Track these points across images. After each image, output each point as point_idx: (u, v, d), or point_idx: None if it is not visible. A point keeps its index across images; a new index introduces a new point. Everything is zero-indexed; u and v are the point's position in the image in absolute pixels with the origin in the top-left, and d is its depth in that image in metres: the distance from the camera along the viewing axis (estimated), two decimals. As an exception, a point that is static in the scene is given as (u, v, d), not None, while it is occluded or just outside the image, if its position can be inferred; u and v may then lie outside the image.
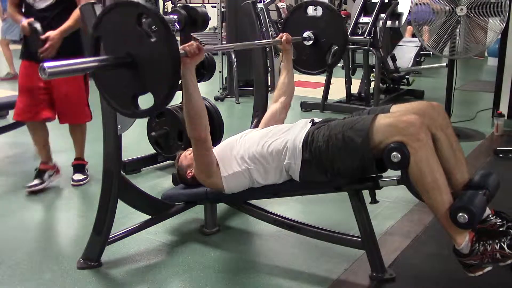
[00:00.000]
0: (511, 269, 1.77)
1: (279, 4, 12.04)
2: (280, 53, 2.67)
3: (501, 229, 1.78)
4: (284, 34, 2.58)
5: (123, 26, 1.73)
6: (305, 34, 2.72)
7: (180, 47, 1.80)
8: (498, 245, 1.73)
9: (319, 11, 2.83)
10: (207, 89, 5.92)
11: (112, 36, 1.78)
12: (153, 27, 1.69)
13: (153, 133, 3.05)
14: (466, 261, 1.81)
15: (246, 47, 2.19)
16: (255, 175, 2.10)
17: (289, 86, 2.59)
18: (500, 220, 1.81)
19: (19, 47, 4.34)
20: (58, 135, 3.53)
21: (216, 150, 2.17)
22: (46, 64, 1.52)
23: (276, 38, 2.57)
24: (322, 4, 2.83)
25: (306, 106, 5.27)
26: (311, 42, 2.72)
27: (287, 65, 2.62)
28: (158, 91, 1.71)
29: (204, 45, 1.88)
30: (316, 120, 2.18)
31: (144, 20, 1.70)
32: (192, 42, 1.88)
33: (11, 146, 4.13)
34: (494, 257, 1.74)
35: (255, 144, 2.13)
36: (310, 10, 2.85)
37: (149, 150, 3.42)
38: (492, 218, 1.83)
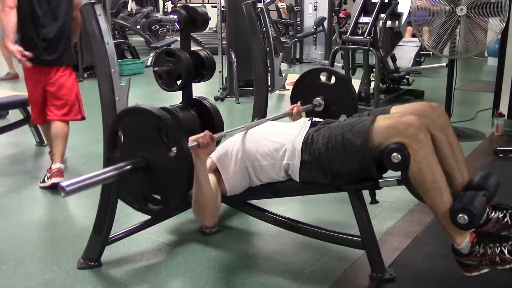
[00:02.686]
0: (510, 269, 1.77)
1: (279, 4, 12.05)
2: (281, 53, 2.66)
3: (503, 233, 1.78)
4: (295, 105, 2.55)
5: (143, 130, 1.79)
6: (316, 101, 2.68)
7: (192, 138, 1.85)
8: (499, 249, 1.73)
9: (332, 80, 2.80)
10: (207, 89, 5.92)
11: (130, 135, 1.84)
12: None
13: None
14: (464, 261, 1.81)
15: (257, 124, 2.20)
16: (253, 174, 2.10)
17: None
18: (500, 213, 1.82)
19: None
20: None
21: (215, 154, 2.17)
22: (65, 183, 1.56)
23: (287, 110, 2.54)
24: (337, 73, 2.81)
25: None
26: (321, 108, 2.69)
27: None
28: (168, 198, 1.80)
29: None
30: (315, 119, 2.18)
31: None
32: (205, 133, 1.88)
33: (11, 146, 4.13)
34: (493, 260, 1.74)
35: (252, 142, 2.12)
36: (323, 77, 2.81)
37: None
38: (492, 215, 1.84)
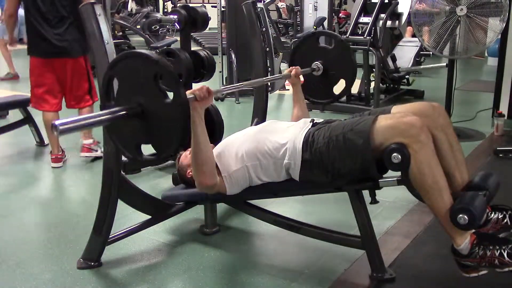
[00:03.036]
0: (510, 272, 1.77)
1: (279, 4, 12.05)
2: (280, 53, 2.66)
3: (503, 235, 1.78)
4: (293, 67, 2.55)
5: (139, 76, 1.74)
6: (314, 65, 2.67)
7: (189, 92, 1.82)
8: (498, 251, 1.73)
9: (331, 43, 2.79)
10: (207, 89, 5.91)
11: (126, 81, 1.80)
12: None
13: None
14: (463, 262, 1.81)
15: (255, 84, 2.16)
16: (253, 173, 2.10)
17: (304, 115, 2.55)
18: (500, 213, 1.82)
19: (18, 47, 4.35)
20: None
21: (215, 151, 2.16)
22: (57, 122, 1.53)
23: (285, 72, 2.53)
24: (335, 37, 2.80)
25: (306, 106, 5.26)
26: (320, 72, 2.68)
27: (298, 97, 2.58)
28: (162, 148, 1.76)
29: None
30: (317, 120, 2.18)
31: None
32: (202, 86, 1.87)
33: (11, 146, 4.13)
34: (492, 262, 1.74)
35: (252, 140, 2.12)
36: (322, 41, 2.81)
37: (149, 150, 3.41)
38: (492, 216, 1.84)
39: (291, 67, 2.58)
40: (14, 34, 3.84)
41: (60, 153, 3.51)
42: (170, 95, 1.72)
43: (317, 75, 2.67)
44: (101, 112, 1.70)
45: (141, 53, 1.74)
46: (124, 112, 1.71)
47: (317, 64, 2.67)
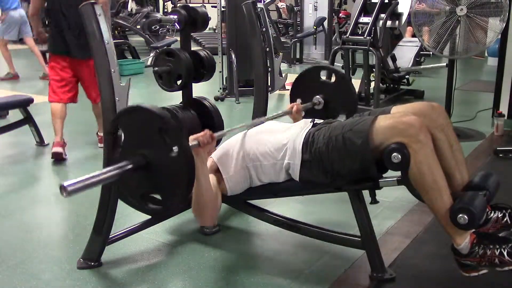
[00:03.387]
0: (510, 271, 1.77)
1: (279, 4, 12.05)
2: (281, 53, 2.66)
3: (503, 234, 1.78)
4: (294, 104, 2.55)
5: (144, 129, 1.78)
6: (315, 99, 2.66)
7: (192, 137, 1.85)
8: (498, 251, 1.73)
9: (332, 78, 2.77)
10: (207, 89, 5.92)
11: (131, 133, 1.83)
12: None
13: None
14: (463, 261, 1.81)
15: (258, 123, 2.20)
16: (253, 173, 2.10)
17: None
18: (499, 212, 1.82)
19: (18, 47, 4.34)
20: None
21: (216, 153, 2.16)
22: (66, 183, 1.57)
23: (287, 109, 2.54)
24: (337, 72, 2.80)
25: (306, 106, 5.26)
26: (320, 106, 2.67)
27: None
28: (168, 197, 1.79)
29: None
30: (317, 121, 2.18)
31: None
32: (205, 132, 1.88)
33: (11, 146, 4.13)
34: (492, 261, 1.74)
35: (253, 141, 2.12)
36: (323, 75, 2.79)
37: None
38: (491, 215, 1.84)
39: (292, 104, 2.58)
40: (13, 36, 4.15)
41: (62, 142, 3.69)
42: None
43: (317, 110, 2.67)
44: (107, 169, 1.74)
45: (147, 108, 1.78)
46: (130, 166, 1.75)
47: (318, 98, 2.68)
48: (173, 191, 1.77)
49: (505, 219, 1.83)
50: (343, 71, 5.21)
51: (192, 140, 1.83)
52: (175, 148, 1.70)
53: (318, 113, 2.62)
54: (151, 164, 1.77)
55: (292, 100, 2.73)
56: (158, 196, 1.88)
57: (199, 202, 1.94)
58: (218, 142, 2.29)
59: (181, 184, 1.75)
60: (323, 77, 2.82)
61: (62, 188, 1.56)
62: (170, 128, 1.72)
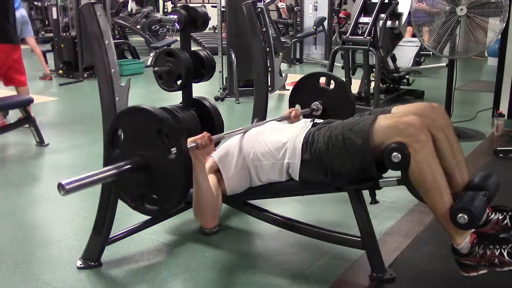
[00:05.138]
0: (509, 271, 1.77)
1: (279, 4, 12.05)
2: (280, 53, 2.66)
3: (503, 235, 1.78)
4: (292, 109, 2.56)
5: (143, 130, 1.79)
6: (314, 105, 2.68)
7: (190, 140, 1.85)
8: (498, 251, 1.73)
9: (331, 85, 2.79)
10: (207, 89, 5.93)
11: (131, 133, 1.84)
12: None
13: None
14: (462, 261, 1.81)
15: (257, 126, 2.21)
16: (253, 173, 2.10)
17: None
18: (500, 214, 1.82)
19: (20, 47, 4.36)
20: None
21: (216, 153, 2.16)
22: (64, 181, 1.58)
23: (285, 114, 2.54)
24: (336, 78, 2.80)
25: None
26: (319, 113, 2.68)
27: None
28: (165, 198, 1.80)
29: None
30: (317, 121, 2.18)
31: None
32: (203, 134, 1.88)
33: (11, 146, 4.13)
34: (492, 262, 1.74)
35: (253, 141, 2.12)
36: (322, 81, 2.80)
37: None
38: (492, 216, 1.84)
39: (290, 109, 2.59)
40: None
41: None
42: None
43: (316, 115, 2.68)
44: (105, 168, 1.75)
45: (146, 109, 1.78)
46: (128, 166, 1.76)
47: (316, 104, 2.69)
48: (170, 193, 1.78)
49: (505, 221, 1.83)
50: (343, 71, 5.22)
51: (190, 142, 1.84)
52: (173, 150, 1.70)
53: (316, 119, 2.63)
54: (149, 165, 1.77)
55: (291, 105, 2.75)
56: (155, 196, 1.89)
57: (199, 204, 1.94)
58: (217, 144, 2.29)
59: (179, 186, 1.76)
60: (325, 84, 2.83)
61: (60, 186, 1.57)
62: (169, 130, 1.73)
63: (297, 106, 2.67)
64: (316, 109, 2.69)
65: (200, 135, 1.87)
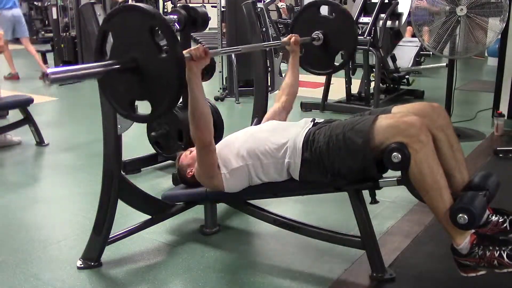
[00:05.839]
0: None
1: (279, 4, 12.05)
2: (281, 53, 2.66)
3: (502, 237, 1.78)
4: (292, 35, 2.52)
5: (135, 30, 1.69)
6: (315, 34, 2.63)
7: (185, 51, 1.80)
8: (498, 252, 1.73)
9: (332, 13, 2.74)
10: (207, 89, 5.87)
11: (121, 35, 1.74)
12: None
13: (153, 133, 3.03)
14: (462, 261, 1.81)
15: (253, 49, 2.14)
16: (253, 172, 2.10)
17: (292, 88, 2.58)
18: (501, 217, 1.82)
19: (17, 46, 4.35)
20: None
21: (216, 149, 2.17)
22: (50, 70, 1.50)
23: (285, 39, 2.50)
24: (337, 6, 2.76)
25: (306, 106, 5.27)
26: (320, 42, 2.64)
27: (293, 66, 2.59)
28: (157, 103, 1.70)
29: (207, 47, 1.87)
30: (318, 120, 2.18)
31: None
32: (198, 46, 1.86)
33: (11, 146, 4.12)
34: (491, 263, 1.74)
35: (253, 140, 2.12)
36: (323, 10, 2.76)
37: (149, 150, 3.42)
38: (492, 218, 1.84)
39: (290, 35, 2.54)
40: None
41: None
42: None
43: (317, 45, 2.63)
44: (94, 64, 1.66)
45: (138, 6, 1.69)
46: (117, 66, 1.66)
47: (317, 33, 2.64)
48: (163, 96, 1.68)
49: (505, 225, 1.82)
50: (343, 76, 5.21)
51: (185, 53, 1.79)
52: (165, 48, 1.62)
53: (317, 48, 2.59)
54: (139, 67, 1.68)
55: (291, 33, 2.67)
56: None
57: (196, 116, 1.95)
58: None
59: (171, 88, 1.66)
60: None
61: (45, 76, 1.50)
62: (162, 27, 1.64)
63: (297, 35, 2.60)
64: (317, 39, 2.64)
65: (195, 47, 1.85)
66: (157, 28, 1.64)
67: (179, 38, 2.73)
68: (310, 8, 2.73)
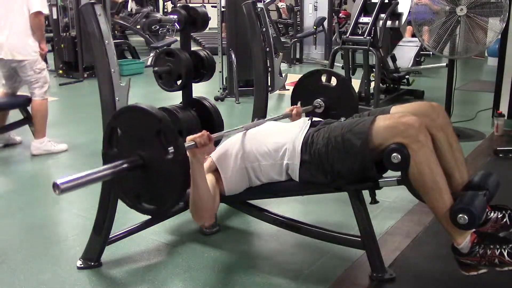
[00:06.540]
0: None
1: (279, 4, 12.06)
2: (281, 53, 2.66)
3: (503, 234, 1.78)
4: (294, 106, 2.55)
5: (142, 130, 1.78)
6: (316, 103, 2.67)
7: (190, 138, 1.84)
8: (499, 251, 1.73)
9: (333, 82, 2.76)
10: (207, 89, 5.92)
11: (129, 132, 1.83)
12: None
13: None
14: (463, 260, 1.81)
15: (257, 125, 2.20)
16: (253, 173, 2.10)
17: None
18: (499, 213, 1.82)
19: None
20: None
21: (215, 153, 2.16)
22: (59, 181, 1.52)
23: (287, 111, 2.53)
24: (338, 75, 2.80)
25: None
26: (321, 110, 2.67)
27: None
28: (161, 199, 1.79)
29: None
30: (315, 119, 2.18)
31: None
32: (202, 133, 1.87)
33: (11, 146, 4.12)
34: (492, 261, 1.74)
35: (252, 142, 2.12)
36: (324, 79, 2.78)
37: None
38: (491, 215, 1.84)
39: (292, 106, 2.58)
40: None
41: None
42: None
43: (318, 113, 2.67)
44: (102, 167, 1.72)
45: (145, 109, 1.77)
46: (126, 166, 1.74)
47: (318, 101, 2.68)
48: (167, 193, 1.77)
49: (504, 220, 1.83)
50: (343, 71, 5.21)
51: (189, 140, 1.83)
52: (171, 149, 1.69)
53: (319, 116, 2.62)
54: (146, 165, 1.76)
55: (293, 103, 2.74)
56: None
57: (196, 203, 1.93)
58: (217, 143, 2.28)
59: (176, 186, 1.75)
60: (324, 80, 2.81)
61: (55, 186, 1.51)
62: (167, 131, 1.72)
63: (299, 104, 2.66)
64: (318, 107, 2.68)
65: (199, 134, 1.86)
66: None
67: (179, 38, 2.73)
68: (311, 77, 2.76)
